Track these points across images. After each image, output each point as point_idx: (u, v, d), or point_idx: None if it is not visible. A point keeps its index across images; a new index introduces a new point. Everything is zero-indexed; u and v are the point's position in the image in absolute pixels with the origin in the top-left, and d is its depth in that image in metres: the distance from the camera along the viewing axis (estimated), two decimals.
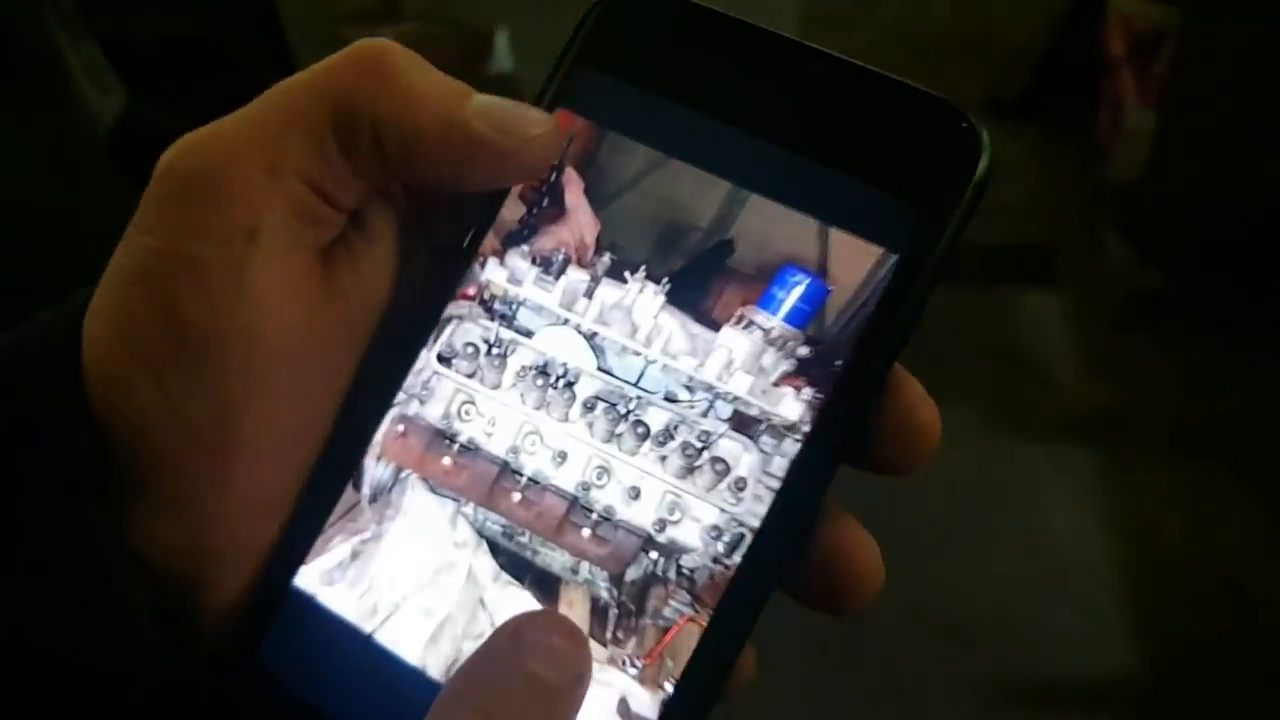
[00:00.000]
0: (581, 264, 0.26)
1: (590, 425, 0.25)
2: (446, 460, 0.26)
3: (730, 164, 0.24)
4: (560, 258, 0.26)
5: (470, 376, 0.26)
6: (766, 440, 0.24)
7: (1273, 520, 1.20)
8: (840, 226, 0.23)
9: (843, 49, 0.23)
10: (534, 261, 0.26)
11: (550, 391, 0.25)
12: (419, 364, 0.25)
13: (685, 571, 0.24)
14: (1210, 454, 1.27)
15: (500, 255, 0.26)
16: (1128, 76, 1.44)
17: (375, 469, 0.26)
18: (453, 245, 0.26)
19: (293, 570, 0.24)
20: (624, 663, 0.24)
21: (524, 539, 0.25)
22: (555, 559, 0.25)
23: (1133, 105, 1.42)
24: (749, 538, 0.23)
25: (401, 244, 0.25)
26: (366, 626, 0.25)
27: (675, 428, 0.25)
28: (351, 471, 0.25)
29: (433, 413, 0.26)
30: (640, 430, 0.25)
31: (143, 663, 0.20)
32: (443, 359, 0.26)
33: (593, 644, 0.24)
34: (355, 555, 0.25)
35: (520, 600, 0.25)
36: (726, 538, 0.24)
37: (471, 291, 0.26)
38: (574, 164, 0.26)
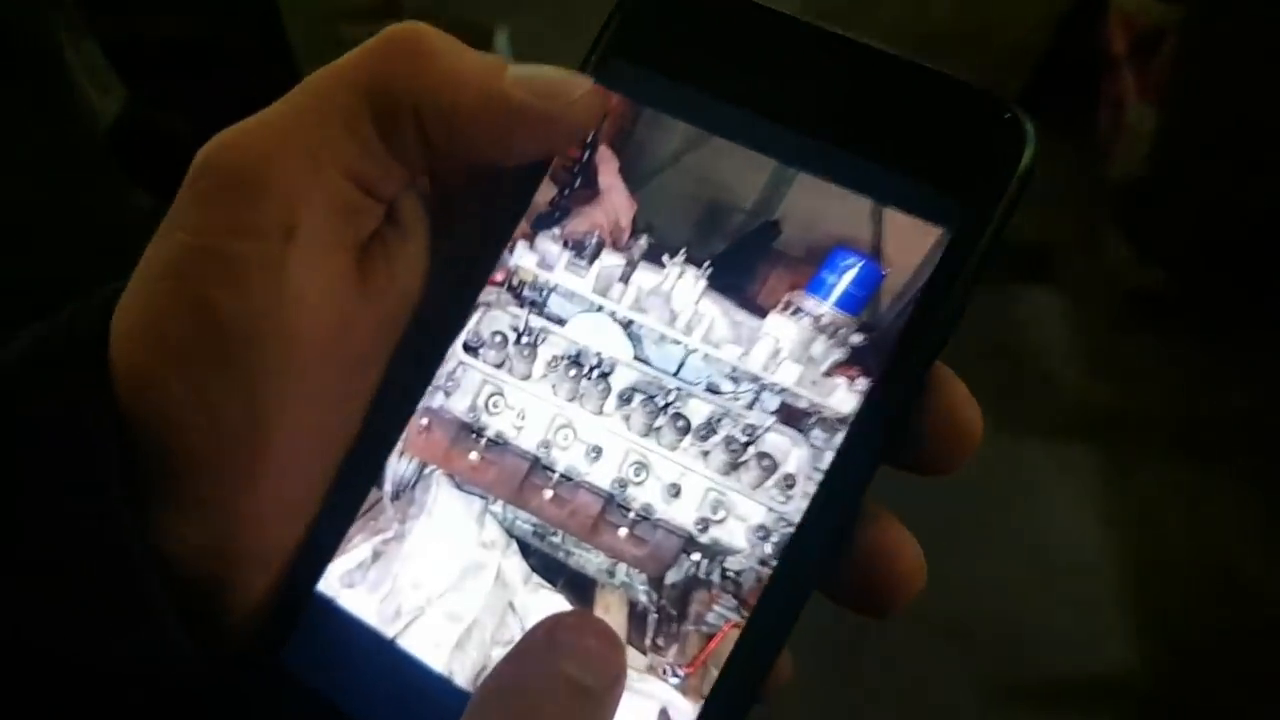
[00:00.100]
0: (617, 247, 0.24)
1: (627, 418, 0.24)
2: (473, 455, 0.24)
3: (775, 145, 0.23)
4: (594, 241, 0.24)
5: (498, 367, 0.25)
6: (817, 434, 0.22)
7: (1274, 519, 1.20)
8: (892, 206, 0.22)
9: None
10: (566, 245, 0.25)
11: (584, 383, 0.24)
12: (448, 359, 0.24)
13: (730, 574, 0.23)
14: (1211, 453, 1.27)
15: (530, 239, 0.25)
16: (1128, 74, 1.44)
17: (398, 464, 0.24)
18: (483, 237, 0.24)
19: (318, 571, 0.23)
20: (665, 671, 0.23)
21: (556, 539, 0.24)
22: (590, 561, 0.24)
23: (1134, 103, 1.42)
24: (794, 534, 0.22)
25: (434, 241, 0.24)
26: (389, 631, 0.23)
27: (718, 421, 0.23)
28: (379, 472, 0.24)
29: (459, 405, 0.25)
30: (680, 424, 0.23)
31: (167, 663, 0.20)
32: (469, 348, 0.25)
33: (631, 652, 0.23)
34: (377, 556, 0.24)
35: (552, 604, 0.23)
36: (775, 538, 0.22)
37: (499, 277, 0.25)
38: (608, 141, 0.24)
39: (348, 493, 0.23)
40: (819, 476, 0.22)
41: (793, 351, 0.23)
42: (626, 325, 0.24)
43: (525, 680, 0.19)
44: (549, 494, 0.24)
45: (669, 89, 0.24)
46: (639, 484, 0.23)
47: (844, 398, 0.22)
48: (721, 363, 0.23)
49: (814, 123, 0.23)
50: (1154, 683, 1.10)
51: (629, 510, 0.23)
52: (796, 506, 0.22)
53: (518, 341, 0.24)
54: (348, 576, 0.24)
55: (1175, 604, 1.17)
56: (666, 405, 0.23)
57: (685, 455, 0.23)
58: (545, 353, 0.24)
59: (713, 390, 0.23)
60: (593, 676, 0.19)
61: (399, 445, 0.24)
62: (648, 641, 0.23)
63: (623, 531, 0.23)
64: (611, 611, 0.23)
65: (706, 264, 0.24)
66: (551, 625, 0.20)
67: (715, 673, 0.22)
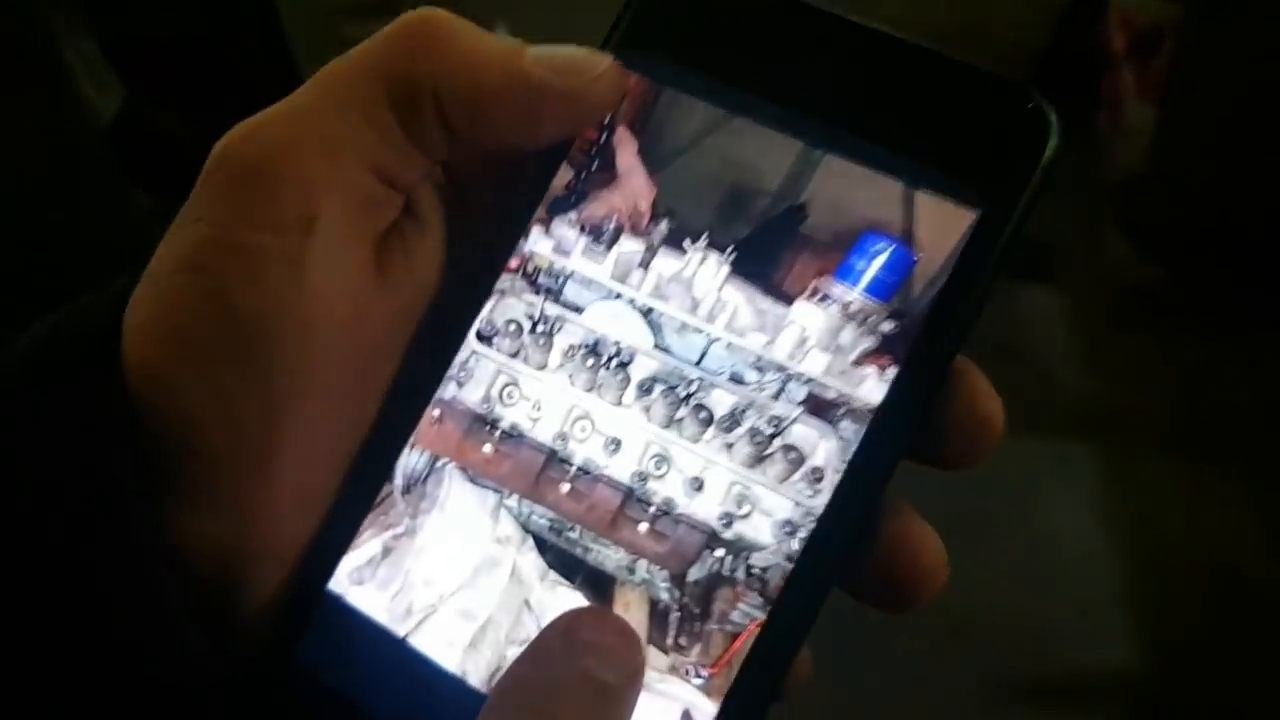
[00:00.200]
0: (636, 232, 0.23)
1: (647, 409, 0.23)
2: (487, 448, 0.23)
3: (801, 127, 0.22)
4: (612, 226, 0.24)
5: (513, 356, 0.24)
6: (846, 426, 0.21)
7: (1273, 514, 1.20)
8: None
9: None
10: (583, 230, 0.24)
11: (602, 372, 0.23)
12: (461, 350, 0.23)
13: (755, 571, 0.22)
14: (1211, 450, 1.27)
15: (546, 224, 0.24)
16: (1128, 73, 1.43)
17: (408, 457, 0.23)
18: (499, 227, 0.24)
19: (331, 568, 0.22)
20: (687, 672, 0.22)
21: (574, 534, 0.23)
22: (609, 557, 0.23)
23: (1133, 102, 1.42)
24: (820, 527, 0.21)
25: (450, 232, 0.24)
26: (400, 630, 0.22)
27: (742, 412, 0.22)
28: (393, 467, 0.23)
29: (472, 396, 0.24)
30: (703, 415, 0.22)
31: (181, 660, 0.20)
32: (483, 337, 0.24)
33: (652, 652, 0.22)
34: (387, 551, 0.23)
35: (570, 602, 0.23)
36: (802, 534, 0.21)
37: (514, 264, 0.24)
38: (626, 123, 0.24)
39: (361, 487, 0.23)
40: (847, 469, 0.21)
41: (820, 340, 0.22)
42: (646, 313, 0.23)
43: (543, 678, 0.19)
44: (566, 488, 0.23)
45: (689, 73, 0.23)
46: (660, 477, 0.23)
47: (874, 388, 0.21)
48: (746, 352, 0.22)
49: (839, 113, 0.22)
50: (1153, 680, 1.10)
51: (649, 505, 0.23)
52: (824, 501, 0.21)
53: (533, 330, 0.24)
54: (357, 573, 0.23)
55: (1175, 601, 1.17)
56: (688, 396, 0.23)
57: (708, 448, 0.22)
58: (562, 341, 0.24)
59: (737, 380, 0.23)
60: (611, 673, 0.19)
61: (410, 437, 0.23)
62: (669, 641, 0.22)
63: (643, 527, 0.23)
64: (632, 609, 0.23)
65: (730, 249, 0.23)
66: (568, 622, 0.20)
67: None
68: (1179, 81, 1.36)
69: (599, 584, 0.23)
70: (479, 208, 0.24)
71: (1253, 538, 1.22)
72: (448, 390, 0.23)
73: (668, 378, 0.23)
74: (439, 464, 0.24)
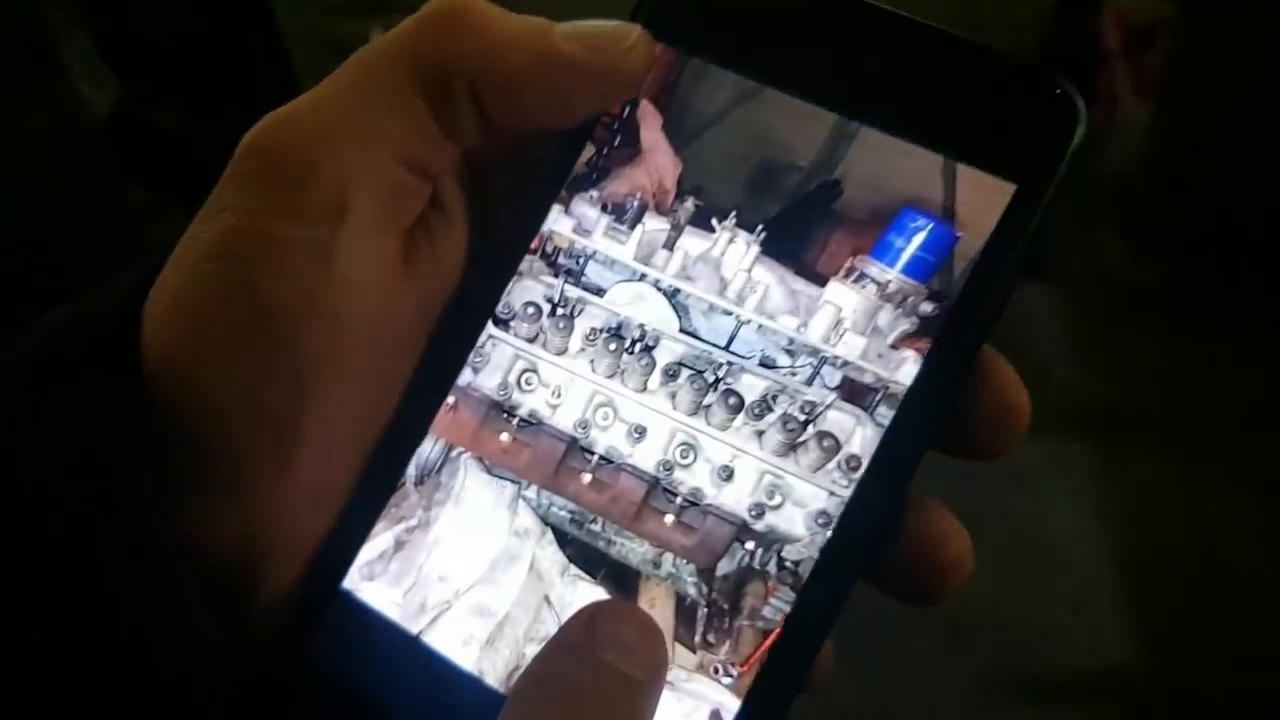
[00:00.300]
0: (661, 211, 0.22)
1: (673, 396, 0.22)
2: (504, 436, 0.22)
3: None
4: (635, 204, 0.23)
5: (531, 341, 0.23)
6: (883, 412, 0.20)
7: (1269, 512, 1.20)
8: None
9: None
10: (605, 209, 0.23)
11: (625, 357, 0.22)
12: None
13: (788, 565, 0.21)
14: (1206, 447, 1.27)
15: (566, 202, 0.23)
16: (1122, 70, 1.43)
17: (422, 446, 0.22)
18: (522, 216, 0.23)
19: (347, 562, 0.21)
20: (717, 670, 0.21)
21: (596, 527, 0.22)
22: (633, 550, 0.22)
23: (1127, 99, 1.41)
24: (850, 517, 0.20)
25: (473, 226, 0.23)
26: (414, 627, 0.21)
27: (774, 398, 0.21)
28: (409, 460, 0.22)
29: (488, 382, 0.23)
30: (732, 401, 0.21)
31: (196, 653, 0.19)
32: (499, 321, 0.23)
33: (679, 649, 0.21)
34: (399, 545, 0.22)
35: (592, 598, 0.22)
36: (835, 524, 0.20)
37: (533, 244, 0.23)
38: (650, 96, 0.23)
39: (379, 482, 0.22)
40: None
41: (856, 322, 0.21)
42: (672, 295, 0.22)
43: (565, 671, 0.19)
44: (588, 478, 0.22)
45: (719, 44, 0.22)
46: (687, 467, 0.22)
47: (913, 372, 0.20)
48: (777, 335, 0.21)
49: (873, 92, 0.21)
50: (1149, 675, 1.10)
51: (676, 495, 0.22)
52: (856, 488, 0.20)
53: (553, 313, 0.23)
54: (368, 568, 0.22)
55: (1170, 597, 1.17)
56: (716, 381, 0.22)
57: (738, 435, 0.21)
58: (583, 325, 0.22)
59: (767, 365, 0.22)
60: (635, 667, 0.19)
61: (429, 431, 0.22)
62: (697, 638, 0.21)
63: (669, 518, 0.22)
64: (657, 605, 0.21)
65: (760, 227, 0.22)
66: (590, 615, 0.19)
67: None
68: (1174, 78, 1.36)
69: (623, 579, 0.22)
70: (501, 197, 0.24)
71: (1248, 535, 1.23)
72: (463, 377, 0.22)
73: (695, 362, 0.22)
74: (454, 454, 0.22)
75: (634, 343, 0.22)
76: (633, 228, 0.22)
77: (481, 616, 0.22)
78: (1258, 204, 1.32)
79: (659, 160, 0.22)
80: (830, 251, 0.21)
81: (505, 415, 0.22)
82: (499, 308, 0.23)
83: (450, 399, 0.22)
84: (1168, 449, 1.26)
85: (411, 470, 0.22)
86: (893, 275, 0.21)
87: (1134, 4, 1.45)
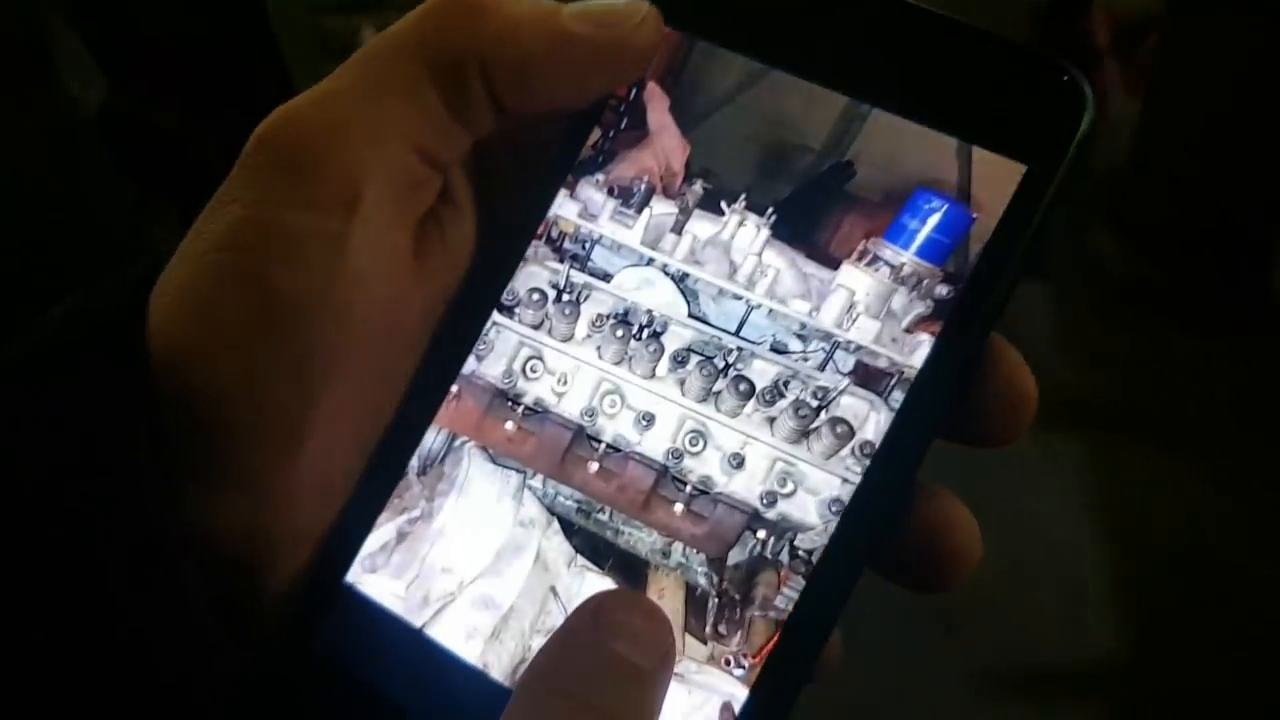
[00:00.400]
0: (668, 194, 0.22)
1: (682, 382, 0.21)
2: (509, 425, 0.22)
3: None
4: (643, 187, 0.22)
5: (537, 328, 0.22)
6: (898, 397, 0.20)
7: (1259, 506, 1.21)
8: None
9: None
10: (611, 192, 0.22)
11: (633, 343, 0.22)
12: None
13: (801, 554, 0.20)
14: (1197, 443, 1.28)
15: (571, 186, 0.22)
16: (1112, 67, 1.44)
17: (425, 436, 0.22)
18: (530, 207, 0.23)
19: (351, 555, 0.21)
20: (728, 662, 0.20)
21: (604, 517, 0.21)
22: (642, 540, 0.21)
23: (1118, 96, 1.42)
24: (860, 503, 0.20)
25: (482, 218, 0.23)
26: (416, 620, 0.21)
27: (785, 384, 0.21)
28: (414, 452, 0.22)
29: (492, 370, 0.22)
30: (743, 387, 0.21)
31: (199, 646, 0.19)
32: (504, 308, 0.22)
33: (690, 641, 0.21)
34: (402, 537, 0.22)
35: (599, 589, 0.21)
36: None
37: (539, 230, 0.22)
38: (657, 77, 0.22)
39: (383, 474, 0.21)
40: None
41: (870, 306, 0.20)
42: (680, 279, 0.22)
43: (572, 660, 0.19)
44: (595, 467, 0.21)
45: (729, 26, 0.22)
46: (696, 454, 0.21)
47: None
48: (789, 319, 0.21)
49: (884, 76, 0.21)
50: (1139, 669, 1.10)
51: (685, 484, 0.21)
52: (867, 474, 0.20)
53: (558, 299, 0.22)
54: (369, 560, 0.21)
55: (1161, 592, 1.17)
56: (726, 367, 0.21)
57: (748, 422, 0.21)
58: (589, 311, 0.22)
59: (779, 350, 0.21)
60: (643, 655, 0.19)
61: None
62: (708, 629, 0.21)
63: (678, 507, 0.21)
64: (667, 596, 0.21)
65: (770, 210, 0.21)
66: (596, 604, 0.19)
67: None
68: (1163, 75, 1.36)
69: (631, 569, 0.21)
70: (509, 187, 0.23)
71: (1238, 530, 1.23)
72: (467, 365, 0.22)
73: (704, 348, 0.21)
74: (457, 443, 0.22)
75: (642, 328, 0.22)
76: (640, 211, 0.22)
77: (486, 609, 0.21)
78: (1248, 199, 1.33)
79: (666, 142, 0.22)
80: (843, 234, 0.21)
81: (510, 403, 0.22)
82: (504, 294, 0.22)
83: (454, 387, 0.22)
84: (1158, 444, 1.27)
85: (414, 460, 0.22)
86: (907, 258, 0.20)
87: (1123, 2, 1.45)
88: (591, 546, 0.21)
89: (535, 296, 0.22)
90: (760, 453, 0.21)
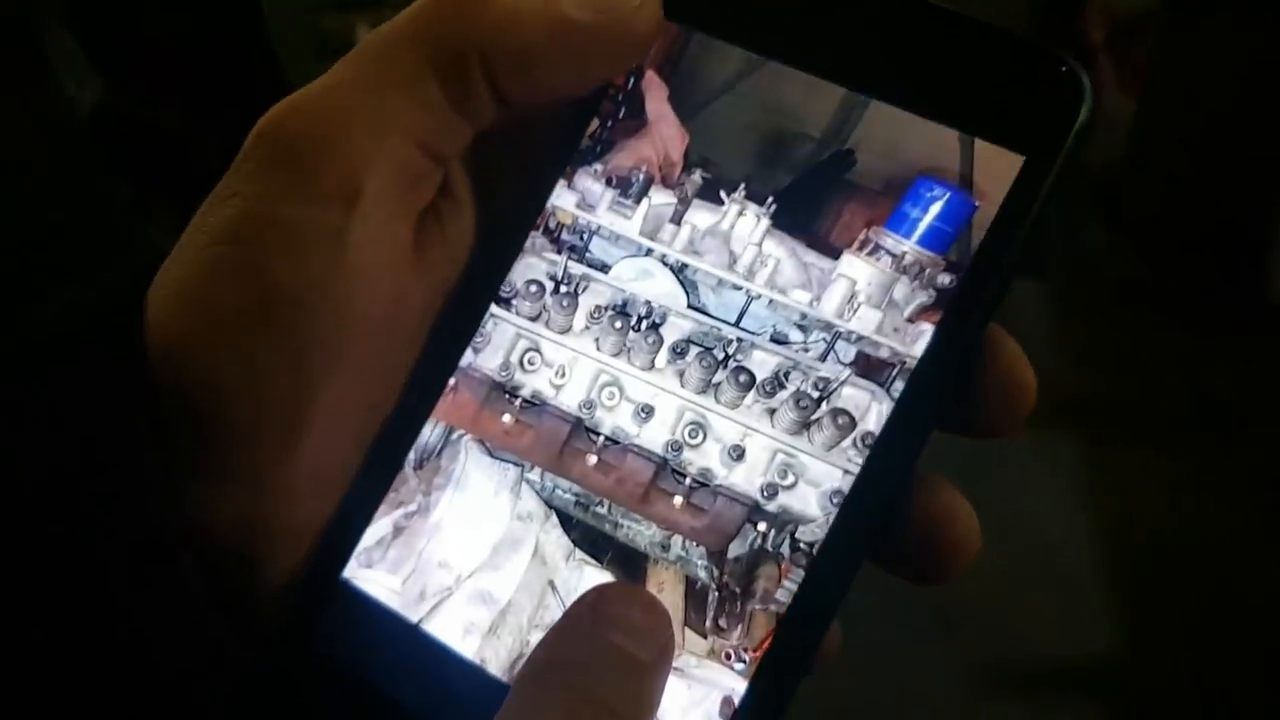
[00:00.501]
0: (667, 184, 0.22)
1: (681, 374, 0.21)
2: (507, 418, 0.22)
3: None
4: (641, 177, 0.22)
5: (534, 319, 0.22)
6: (900, 387, 0.20)
7: (1254, 503, 1.21)
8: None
9: None
10: (609, 183, 0.22)
11: (631, 335, 0.21)
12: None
13: (802, 546, 0.20)
14: (1191, 438, 1.28)
15: (569, 177, 0.22)
16: (1107, 65, 1.44)
17: (421, 429, 0.21)
18: (528, 199, 0.22)
19: (349, 550, 0.21)
20: (728, 656, 0.20)
21: (602, 510, 0.21)
22: (641, 533, 0.21)
23: (1112, 93, 1.42)
24: (860, 494, 0.20)
25: (481, 211, 0.23)
26: (413, 615, 0.21)
27: (786, 374, 0.21)
28: (411, 446, 0.21)
29: (489, 362, 0.22)
30: (743, 378, 0.21)
31: (195, 646, 0.19)
32: (501, 299, 0.22)
33: (690, 634, 0.20)
34: (398, 531, 0.21)
35: (598, 583, 0.21)
36: None
37: (536, 221, 0.22)
38: (655, 66, 0.22)
39: (381, 469, 0.21)
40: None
41: (871, 296, 0.20)
42: (679, 270, 0.21)
43: (572, 654, 0.19)
44: (593, 459, 0.21)
45: (724, 27, 0.21)
46: (696, 446, 0.21)
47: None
48: (789, 309, 0.21)
49: (884, 66, 0.21)
50: (1136, 667, 1.11)
51: (685, 476, 0.21)
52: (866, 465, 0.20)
53: (556, 290, 0.22)
54: (365, 555, 0.21)
55: (1157, 589, 1.18)
56: (726, 358, 0.21)
57: (748, 414, 0.21)
58: (587, 302, 0.22)
59: (779, 341, 0.21)
60: (641, 647, 0.19)
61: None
62: (708, 623, 0.20)
63: (678, 500, 0.21)
64: (666, 589, 0.21)
65: (770, 200, 0.21)
66: (595, 597, 0.19)
67: None
68: (1158, 73, 1.36)
69: (630, 563, 0.21)
70: (508, 180, 0.23)
71: (1234, 526, 1.23)
72: (464, 357, 0.22)
73: (703, 339, 0.21)
74: (454, 436, 0.22)
75: (640, 320, 0.21)
76: (638, 202, 0.22)
77: (484, 603, 0.21)
78: (1243, 198, 1.33)
79: (665, 132, 0.22)
80: (844, 223, 0.21)
81: (507, 396, 0.22)
82: (501, 286, 0.22)
83: (451, 380, 0.22)
84: (1154, 441, 1.27)
85: (410, 454, 0.21)
86: (909, 247, 0.20)
87: (1119, 0, 1.46)
88: (590, 540, 0.21)
89: (533, 288, 0.22)
90: (760, 444, 0.21)
